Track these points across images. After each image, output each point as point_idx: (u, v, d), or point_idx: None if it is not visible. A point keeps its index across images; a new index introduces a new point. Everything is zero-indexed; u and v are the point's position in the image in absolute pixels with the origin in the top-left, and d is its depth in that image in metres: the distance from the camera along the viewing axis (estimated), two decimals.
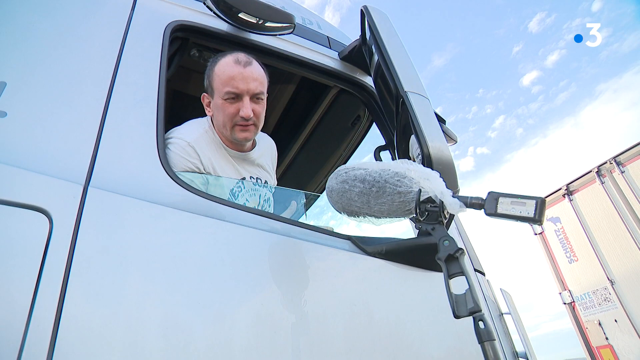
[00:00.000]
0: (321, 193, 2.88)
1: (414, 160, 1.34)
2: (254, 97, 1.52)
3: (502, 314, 1.52)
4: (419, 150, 1.25)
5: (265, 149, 1.79)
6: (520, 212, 0.87)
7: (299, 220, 1.45)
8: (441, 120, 1.69)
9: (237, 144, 1.60)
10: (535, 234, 8.33)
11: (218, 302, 0.97)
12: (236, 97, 1.50)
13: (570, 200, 7.72)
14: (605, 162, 7.16)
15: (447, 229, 1.26)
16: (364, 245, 1.26)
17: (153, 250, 0.96)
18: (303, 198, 1.90)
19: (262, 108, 1.57)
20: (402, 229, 1.75)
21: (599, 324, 7.06)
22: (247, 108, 1.49)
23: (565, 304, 7.75)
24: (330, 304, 1.11)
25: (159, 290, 0.93)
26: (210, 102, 1.58)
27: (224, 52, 1.57)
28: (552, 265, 8.01)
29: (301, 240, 1.19)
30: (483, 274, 1.53)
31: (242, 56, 1.52)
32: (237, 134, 1.54)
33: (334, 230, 1.32)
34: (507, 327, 1.48)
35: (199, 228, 1.06)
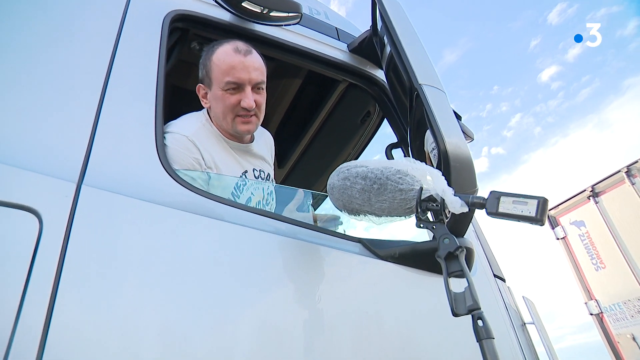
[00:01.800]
0: None
1: (429, 155, 1.33)
2: (256, 87, 1.54)
3: (524, 323, 1.50)
4: (434, 144, 1.24)
5: (264, 141, 1.82)
6: (522, 212, 0.90)
7: (306, 222, 1.45)
8: (457, 117, 1.68)
9: (237, 135, 1.62)
10: (558, 239, 8.21)
11: (219, 309, 0.97)
12: (237, 87, 1.51)
13: (596, 203, 7.60)
14: (637, 162, 7.03)
15: (464, 233, 1.25)
16: (376, 249, 1.26)
17: (150, 253, 0.96)
18: (310, 198, 1.90)
19: (263, 98, 1.59)
20: (415, 232, 1.74)
21: (633, 338, 6.90)
22: (249, 98, 1.50)
23: (592, 314, 7.62)
24: (339, 311, 1.11)
25: (156, 296, 0.92)
26: (206, 93, 1.59)
27: (220, 41, 1.58)
28: (577, 273, 7.89)
29: (308, 242, 1.19)
30: (503, 280, 1.52)
31: (241, 44, 1.53)
32: (238, 126, 1.55)
33: (343, 233, 1.31)
34: (530, 339, 1.46)
35: (199, 229, 1.06)
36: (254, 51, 1.56)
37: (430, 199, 1.01)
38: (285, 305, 1.06)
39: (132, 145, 1.13)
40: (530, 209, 0.89)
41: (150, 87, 1.24)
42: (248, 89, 1.51)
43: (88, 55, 1.20)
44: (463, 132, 1.55)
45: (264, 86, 1.58)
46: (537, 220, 0.88)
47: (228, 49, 1.52)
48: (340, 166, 1.16)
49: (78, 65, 1.17)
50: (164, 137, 1.40)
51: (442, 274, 1.25)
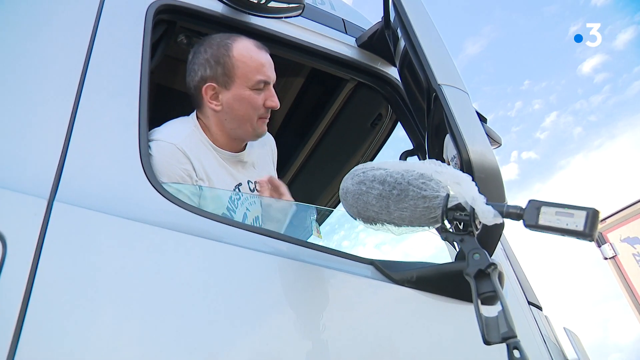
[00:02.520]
0: (335, 207, 2.88)
1: (449, 164, 1.34)
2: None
3: None
4: (455, 152, 1.25)
5: (261, 146, 1.84)
6: (567, 225, 0.88)
7: (309, 241, 1.45)
8: (482, 119, 1.68)
9: (229, 144, 1.66)
10: (606, 259, 8.00)
11: (211, 342, 0.97)
12: (264, 85, 1.61)
13: None
14: None
15: (493, 250, 1.25)
16: (390, 271, 1.25)
17: (133, 279, 0.96)
18: (313, 213, 1.90)
19: None
20: (434, 250, 1.74)
21: None
22: (276, 97, 1.64)
23: None
24: (348, 343, 1.10)
25: (138, 328, 0.92)
26: (217, 94, 1.60)
27: (226, 35, 1.62)
28: (633, 300, 7.66)
29: (312, 264, 1.18)
30: (540, 308, 1.51)
31: (254, 40, 1.63)
32: (261, 127, 1.66)
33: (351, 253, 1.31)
34: None
35: (189, 251, 1.06)
36: None
37: (458, 207, 1.00)
38: (286, 336, 1.06)
39: (112, 155, 1.13)
40: (577, 222, 0.86)
41: (133, 87, 1.25)
42: (271, 87, 1.63)
43: (60, 52, 1.21)
44: (488, 137, 1.56)
45: None
46: (585, 235, 0.86)
47: (249, 45, 1.60)
48: (355, 168, 1.16)
49: (49, 64, 1.18)
50: (149, 146, 1.41)
51: (468, 300, 1.25)
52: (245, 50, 1.59)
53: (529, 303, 1.45)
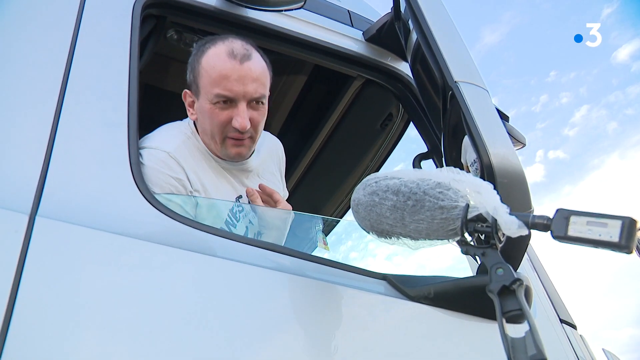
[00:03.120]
0: (341, 217, 2.87)
1: (467, 169, 1.33)
2: (253, 102, 1.52)
3: None
4: (475, 156, 1.24)
5: (267, 153, 1.83)
6: (600, 236, 0.86)
7: (315, 254, 1.44)
8: (504, 118, 1.68)
9: None
10: None
11: None
12: (229, 101, 1.50)
13: None
14: None
15: (519, 264, 1.24)
16: (405, 287, 1.25)
17: (122, 299, 0.96)
18: (319, 223, 1.90)
19: (262, 116, 1.58)
20: (453, 262, 1.73)
21: None
22: (243, 118, 1.49)
23: None
24: None
25: (127, 351, 0.91)
26: (194, 102, 1.60)
27: (214, 37, 1.58)
28: None
29: (319, 280, 1.18)
30: (574, 326, 1.50)
31: (238, 46, 1.51)
32: (228, 149, 1.56)
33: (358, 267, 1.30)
34: None
35: (183, 267, 1.06)
36: (255, 55, 1.53)
37: (479, 218, 0.99)
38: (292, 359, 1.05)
39: (99, 164, 1.13)
40: (612, 233, 0.85)
41: (121, 88, 1.25)
42: (242, 105, 1.50)
43: (39, 52, 1.21)
44: (511, 137, 1.55)
45: (265, 100, 1.57)
46: (621, 246, 0.84)
47: (221, 51, 1.50)
48: (367, 178, 1.16)
49: (27, 65, 1.18)
50: (141, 154, 1.41)
51: (492, 318, 1.24)
52: (212, 57, 1.51)
53: (562, 321, 1.45)
